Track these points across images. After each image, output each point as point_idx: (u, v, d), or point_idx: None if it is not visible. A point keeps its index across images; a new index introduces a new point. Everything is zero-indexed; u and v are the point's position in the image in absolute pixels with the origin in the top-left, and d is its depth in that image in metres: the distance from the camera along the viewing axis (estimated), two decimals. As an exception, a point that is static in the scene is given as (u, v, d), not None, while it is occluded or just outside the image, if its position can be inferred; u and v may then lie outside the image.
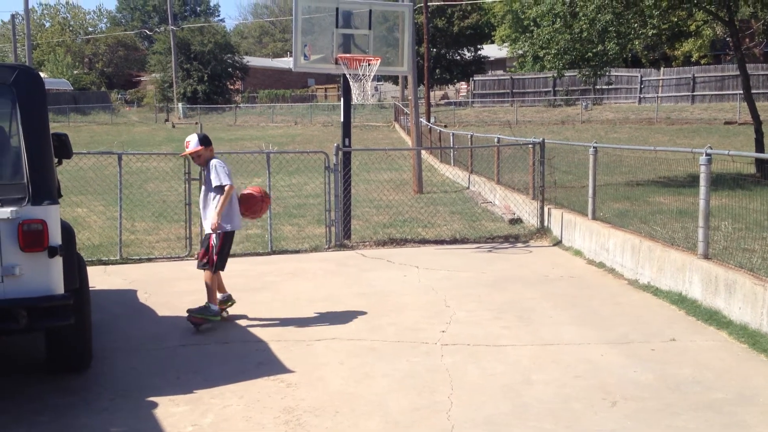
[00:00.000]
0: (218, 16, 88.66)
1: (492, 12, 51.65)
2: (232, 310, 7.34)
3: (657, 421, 4.68)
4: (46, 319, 4.86)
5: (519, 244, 11.12)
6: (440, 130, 25.15)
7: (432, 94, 43.77)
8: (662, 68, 42.19)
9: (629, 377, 5.43)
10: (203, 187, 7.06)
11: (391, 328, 6.76)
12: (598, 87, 31.75)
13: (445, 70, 55.09)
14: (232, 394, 5.22)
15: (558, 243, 10.95)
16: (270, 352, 6.08)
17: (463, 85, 56.24)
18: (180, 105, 56.33)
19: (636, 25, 16.33)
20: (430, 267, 9.48)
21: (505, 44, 51.70)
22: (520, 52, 44.35)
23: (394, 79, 50.63)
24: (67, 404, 5.03)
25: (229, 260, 10.37)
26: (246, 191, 7.33)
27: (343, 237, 11.00)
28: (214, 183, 6.83)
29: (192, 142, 6.99)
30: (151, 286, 8.52)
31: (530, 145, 12.53)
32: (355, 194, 12.47)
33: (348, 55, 10.93)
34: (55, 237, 4.83)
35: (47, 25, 77.99)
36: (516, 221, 12.60)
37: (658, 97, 40.63)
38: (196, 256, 7.26)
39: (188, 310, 6.83)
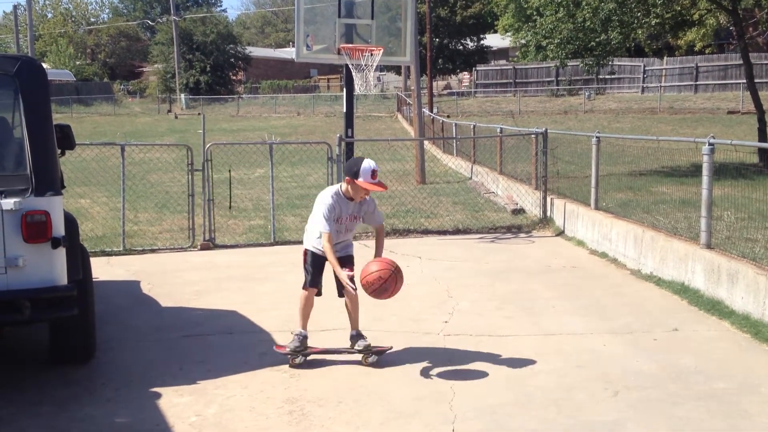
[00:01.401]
0: (220, 6, 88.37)
1: (495, 1, 51.45)
2: (236, 301, 7.35)
3: (659, 410, 4.69)
4: (50, 310, 4.88)
5: (522, 235, 11.12)
6: (443, 121, 25.08)
7: (434, 84, 43.71)
8: (665, 58, 42.01)
9: (631, 367, 5.44)
10: (351, 221, 5.70)
11: (393, 319, 6.77)
12: (600, 77, 31.67)
13: (447, 60, 54.86)
14: (236, 384, 5.24)
15: (561, 233, 10.95)
16: (273, 343, 6.09)
17: (465, 75, 56.10)
18: (182, 96, 56.29)
19: (639, 14, 16.26)
20: (433, 257, 9.48)
21: (508, 34, 51.52)
22: (523, 41, 44.25)
23: (397, 70, 50.55)
24: (71, 395, 5.05)
25: (233, 251, 10.40)
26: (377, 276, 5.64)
27: (345, 227, 10.99)
28: (380, 220, 5.88)
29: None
30: (154, 277, 8.54)
31: (533, 136, 12.51)
32: (357, 185, 12.44)
33: (350, 45, 10.90)
34: (59, 228, 4.85)
35: (49, 15, 77.91)
36: (519, 211, 12.60)
37: (661, 86, 40.46)
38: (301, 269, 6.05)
39: (367, 348, 5.66)
